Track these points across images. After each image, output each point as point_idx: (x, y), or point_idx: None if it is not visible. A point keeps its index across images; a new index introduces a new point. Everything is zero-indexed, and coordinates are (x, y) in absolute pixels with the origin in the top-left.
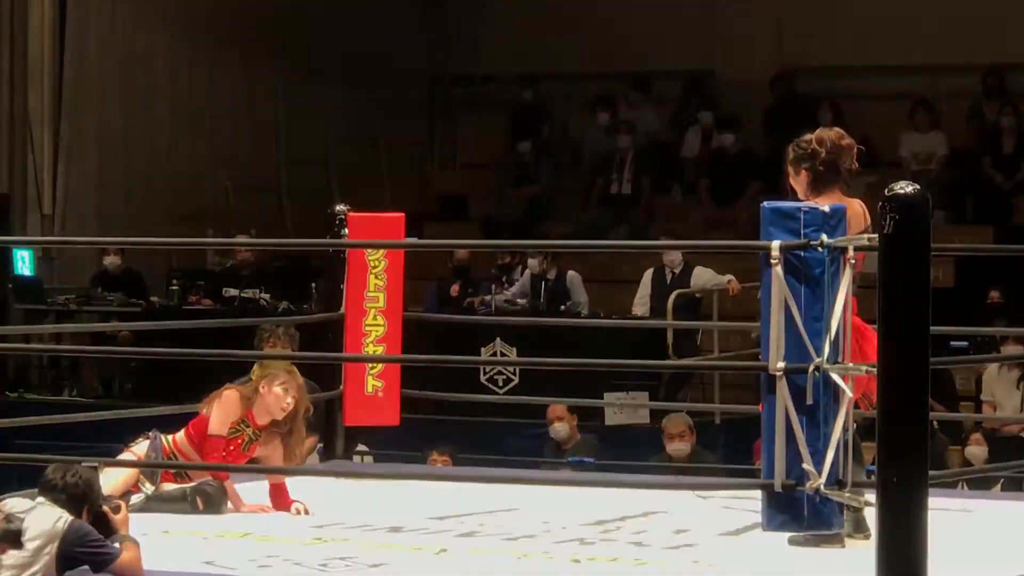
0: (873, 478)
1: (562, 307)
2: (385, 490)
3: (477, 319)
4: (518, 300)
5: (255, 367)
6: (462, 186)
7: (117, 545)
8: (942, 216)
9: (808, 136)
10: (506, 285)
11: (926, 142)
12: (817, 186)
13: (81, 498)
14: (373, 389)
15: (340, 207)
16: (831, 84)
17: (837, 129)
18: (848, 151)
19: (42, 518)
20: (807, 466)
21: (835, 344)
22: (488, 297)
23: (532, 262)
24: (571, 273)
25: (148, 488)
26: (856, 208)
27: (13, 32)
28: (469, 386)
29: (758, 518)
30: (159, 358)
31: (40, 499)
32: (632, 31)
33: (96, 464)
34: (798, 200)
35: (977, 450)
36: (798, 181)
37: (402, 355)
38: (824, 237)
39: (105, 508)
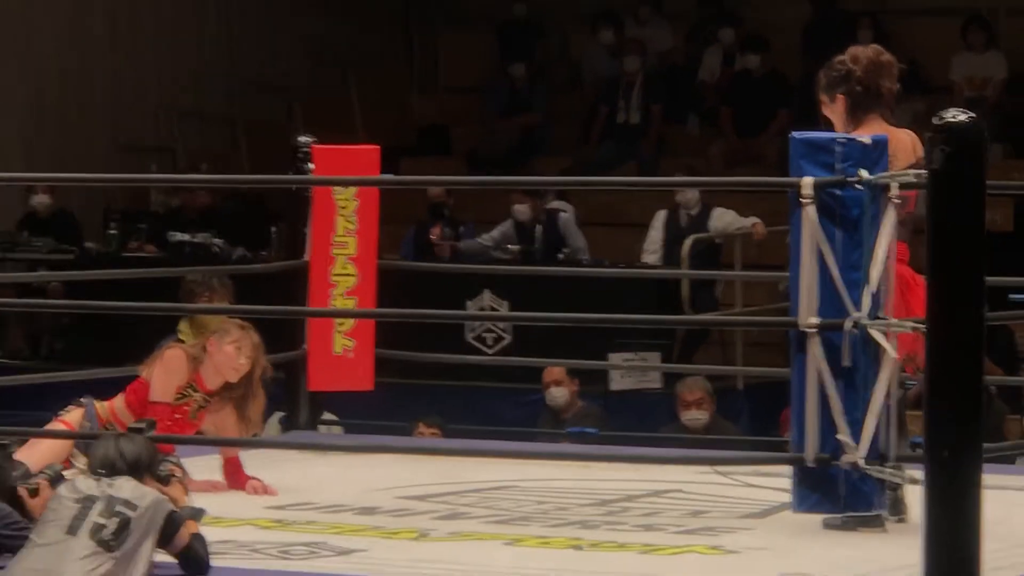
0: (919, 451)
1: (560, 254)
2: (356, 465)
3: (463, 268)
4: (507, 246)
5: (182, 324)
6: (444, 114)
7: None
8: (1000, 150)
9: (841, 57)
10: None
11: (982, 64)
12: (856, 112)
13: None
14: (342, 349)
15: (304, 138)
16: None
17: (874, 46)
18: (888, 69)
19: None
20: (843, 437)
21: (876, 297)
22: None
23: (519, 208)
24: (563, 215)
25: (82, 464)
26: (903, 139)
27: None
28: (454, 346)
29: (787, 498)
30: (95, 313)
31: None
32: None
33: (6, 442)
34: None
35: None
36: (834, 110)
37: (376, 309)
38: (864, 173)
39: (21, 489)
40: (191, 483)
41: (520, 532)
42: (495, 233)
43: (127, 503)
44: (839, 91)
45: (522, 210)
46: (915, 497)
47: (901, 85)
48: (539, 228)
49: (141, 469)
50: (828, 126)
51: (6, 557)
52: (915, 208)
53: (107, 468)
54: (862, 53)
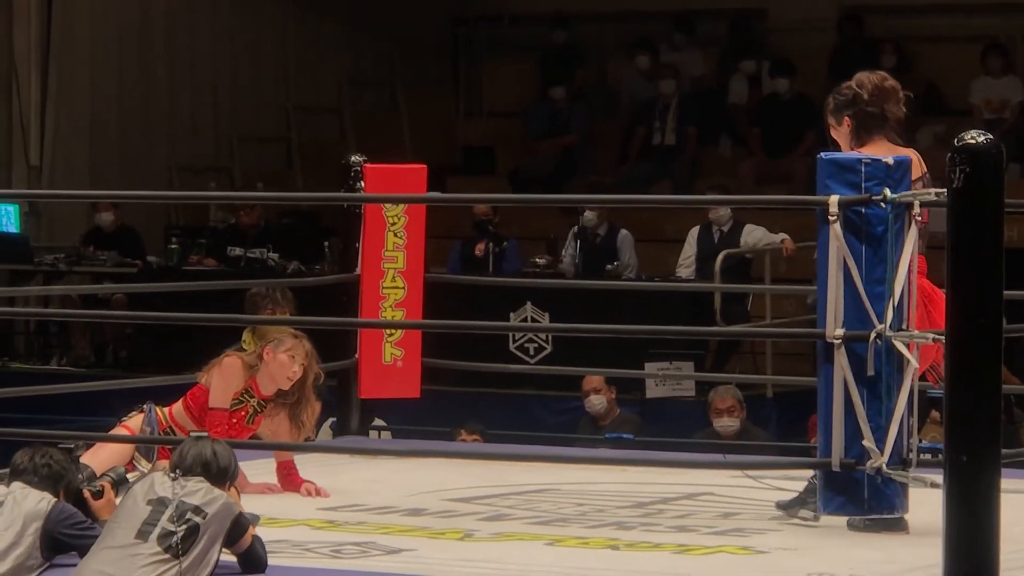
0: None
1: (608, 267)
2: (405, 469)
3: (506, 281)
4: (558, 266)
5: (245, 334)
6: (488, 136)
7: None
8: (1017, 169)
9: (847, 83)
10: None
11: (1000, 88)
12: (860, 135)
13: (55, 479)
14: (391, 358)
15: (355, 158)
16: (894, 24)
17: (879, 72)
18: (893, 94)
19: (22, 500)
20: (868, 443)
21: (899, 309)
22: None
23: (588, 215)
24: (623, 232)
25: (144, 466)
26: (911, 157)
27: None
28: (497, 355)
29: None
30: (156, 323)
31: (15, 484)
32: None
33: (72, 446)
34: None
35: None
36: (840, 132)
37: (423, 321)
38: (887, 191)
39: (86, 491)
40: (248, 485)
41: (560, 533)
42: (568, 250)
43: (197, 510)
44: (846, 114)
45: (590, 217)
46: (937, 499)
47: (920, 108)
48: (595, 239)
49: (227, 476)
50: (835, 148)
51: (72, 556)
52: (928, 220)
53: (199, 466)
54: (867, 79)
